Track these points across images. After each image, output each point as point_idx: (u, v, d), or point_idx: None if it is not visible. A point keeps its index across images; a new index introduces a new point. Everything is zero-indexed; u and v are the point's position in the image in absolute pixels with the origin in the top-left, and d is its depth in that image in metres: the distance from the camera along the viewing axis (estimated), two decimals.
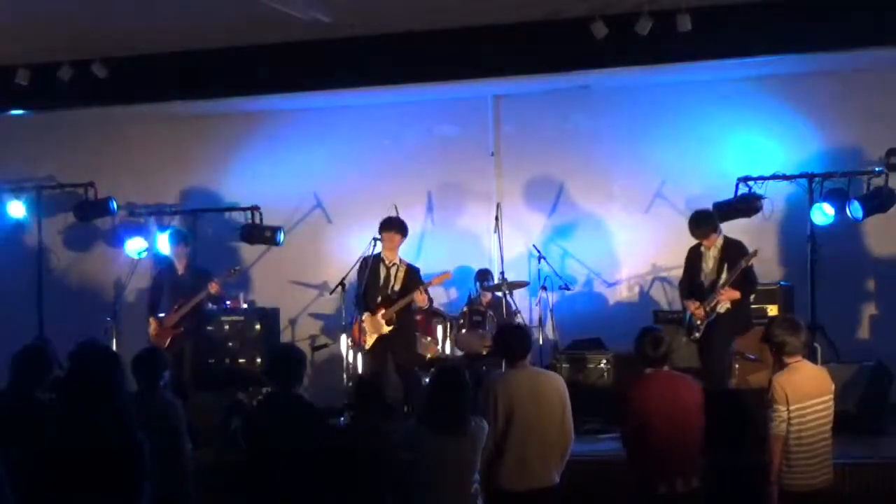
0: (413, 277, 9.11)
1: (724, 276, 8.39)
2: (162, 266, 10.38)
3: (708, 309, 8.39)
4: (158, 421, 5.89)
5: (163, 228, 11.02)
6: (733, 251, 8.45)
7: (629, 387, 6.47)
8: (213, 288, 9.70)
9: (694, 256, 8.67)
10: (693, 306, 8.48)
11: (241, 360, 10.31)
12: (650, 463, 6.27)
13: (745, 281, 8.40)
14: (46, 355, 6.11)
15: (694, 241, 8.66)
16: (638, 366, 6.47)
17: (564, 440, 6.29)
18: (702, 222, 8.55)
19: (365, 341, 9.09)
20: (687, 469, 6.26)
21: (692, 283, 8.64)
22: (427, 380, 8.38)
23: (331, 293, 10.13)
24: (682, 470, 6.24)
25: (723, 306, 8.39)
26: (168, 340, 9.61)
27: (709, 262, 8.54)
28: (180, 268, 9.93)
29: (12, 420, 5.54)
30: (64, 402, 4.50)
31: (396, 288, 9.05)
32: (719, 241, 8.53)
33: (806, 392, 6.17)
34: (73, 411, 4.29)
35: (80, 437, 4.22)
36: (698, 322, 8.46)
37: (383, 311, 8.97)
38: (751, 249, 8.44)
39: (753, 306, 8.84)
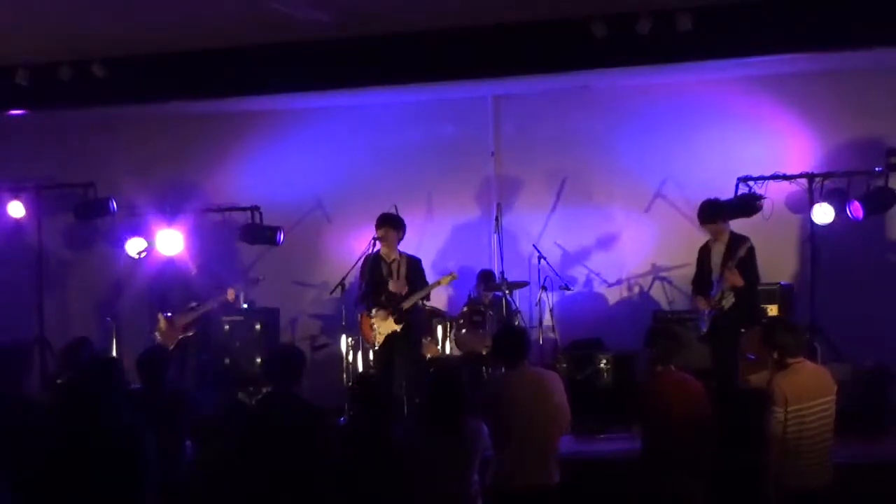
0: (415, 269, 9.15)
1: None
2: (170, 264, 10.30)
3: (713, 302, 8.40)
4: (163, 419, 5.91)
5: (169, 223, 10.92)
6: (736, 243, 8.43)
7: (647, 384, 6.58)
8: (231, 295, 9.66)
9: (703, 253, 8.68)
10: (701, 302, 8.54)
11: (241, 360, 10.30)
12: (662, 463, 6.32)
13: (746, 272, 8.33)
14: None
15: (698, 239, 8.68)
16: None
17: (559, 439, 6.30)
18: (705, 211, 8.56)
19: (374, 339, 9.12)
20: (696, 471, 6.33)
21: (702, 280, 8.65)
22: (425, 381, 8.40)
23: (331, 293, 10.12)
24: (690, 472, 6.31)
25: (727, 300, 8.33)
26: (175, 341, 9.55)
27: (716, 256, 8.54)
28: (194, 267, 9.89)
29: None
30: (63, 405, 4.52)
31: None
32: (725, 236, 8.52)
33: (806, 393, 6.17)
34: (71, 412, 4.30)
35: (79, 437, 4.22)
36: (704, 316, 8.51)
37: (391, 308, 9.00)
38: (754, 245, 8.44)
39: None
